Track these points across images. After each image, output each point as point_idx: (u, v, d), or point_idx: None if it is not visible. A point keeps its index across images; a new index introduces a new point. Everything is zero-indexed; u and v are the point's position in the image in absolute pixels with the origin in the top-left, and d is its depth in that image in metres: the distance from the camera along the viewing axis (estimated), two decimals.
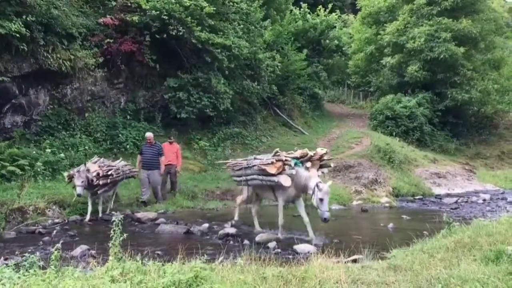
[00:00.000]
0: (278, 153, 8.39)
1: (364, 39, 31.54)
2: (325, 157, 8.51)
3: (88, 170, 10.48)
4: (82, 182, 10.11)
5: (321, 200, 7.52)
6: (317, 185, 7.60)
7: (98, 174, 10.50)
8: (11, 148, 12.51)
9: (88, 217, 10.49)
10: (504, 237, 5.87)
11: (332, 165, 8.83)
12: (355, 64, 33.40)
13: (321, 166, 8.47)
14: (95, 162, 11.27)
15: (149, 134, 13.00)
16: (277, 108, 25.78)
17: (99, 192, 10.82)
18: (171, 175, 13.26)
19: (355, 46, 32.92)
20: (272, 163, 8.12)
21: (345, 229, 9.90)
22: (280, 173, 8.07)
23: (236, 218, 9.91)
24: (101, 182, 10.58)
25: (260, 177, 8.50)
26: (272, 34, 26.81)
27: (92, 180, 10.34)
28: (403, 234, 8.20)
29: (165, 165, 12.79)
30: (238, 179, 9.62)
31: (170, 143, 13.45)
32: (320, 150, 8.52)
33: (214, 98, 18.23)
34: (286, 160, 8.12)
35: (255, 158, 8.91)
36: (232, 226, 9.60)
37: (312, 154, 8.33)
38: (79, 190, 10.04)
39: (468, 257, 5.11)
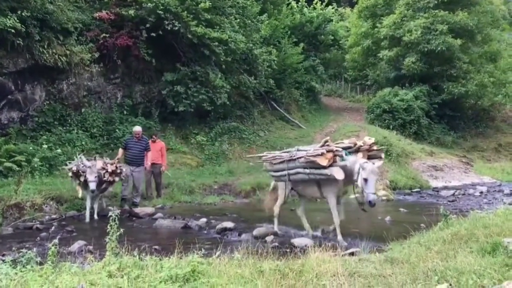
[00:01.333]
0: (328, 143, 7.56)
1: (360, 33, 31.50)
2: (374, 147, 7.57)
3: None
4: (96, 177, 9.61)
5: (366, 180, 6.70)
6: (361, 165, 6.83)
7: (109, 170, 10.07)
8: (7, 144, 12.48)
9: (88, 217, 9.96)
10: (501, 229, 5.88)
11: (383, 156, 7.66)
12: (352, 58, 33.38)
13: (369, 158, 7.41)
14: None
15: (138, 128, 12.13)
16: (274, 102, 25.75)
17: (107, 189, 10.60)
18: (155, 175, 12.54)
19: (351, 40, 32.89)
20: (322, 154, 7.28)
21: (343, 222, 9.90)
22: (331, 165, 7.23)
23: (276, 228, 8.53)
24: (116, 179, 10.36)
25: (307, 170, 7.57)
26: (268, 28, 26.73)
27: (102, 177, 9.91)
28: (400, 227, 8.21)
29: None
30: (277, 174, 8.41)
31: (154, 141, 12.52)
32: (368, 139, 7.59)
33: (212, 92, 18.19)
34: (337, 150, 7.33)
35: (298, 150, 8.00)
36: (273, 239, 8.04)
37: (361, 144, 7.47)
38: (92, 186, 9.49)
39: (465, 249, 5.12)
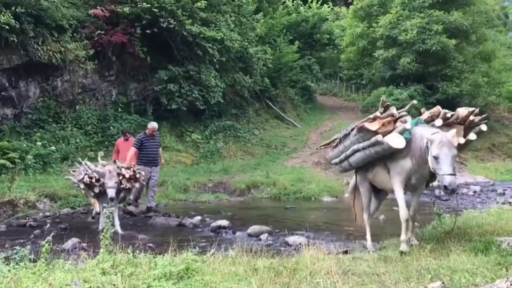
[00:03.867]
0: (389, 107, 5.88)
1: (356, 33, 31.52)
2: (473, 119, 5.78)
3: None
4: (116, 183, 8.13)
5: (436, 158, 4.88)
6: (427, 138, 5.04)
7: (126, 176, 8.60)
8: (1, 141, 12.43)
9: (119, 230, 8.05)
10: (494, 228, 5.93)
11: (485, 128, 5.83)
12: (348, 57, 33.39)
13: (465, 132, 5.68)
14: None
15: (154, 124, 10.95)
16: (269, 100, 25.75)
17: (126, 198, 9.41)
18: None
19: (347, 40, 32.89)
20: (375, 118, 5.77)
21: (337, 220, 9.94)
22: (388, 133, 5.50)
23: (370, 246, 6.31)
24: (137, 185, 9.03)
25: (361, 144, 5.79)
26: (264, 27, 26.71)
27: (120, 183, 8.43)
28: (394, 226, 8.23)
29: None
30: (338, 160, 6.53)
31: (126, 139, 11.11)
32: (463, 110, 5.84)
33: (205, 91, 18.17)
34: (400, 116, 5.73)
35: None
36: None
37: (450, 115, 5.80)
38: (111, 193, 7.97)
39: (458, 248, 5.15)
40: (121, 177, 8.35)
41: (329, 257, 4.86)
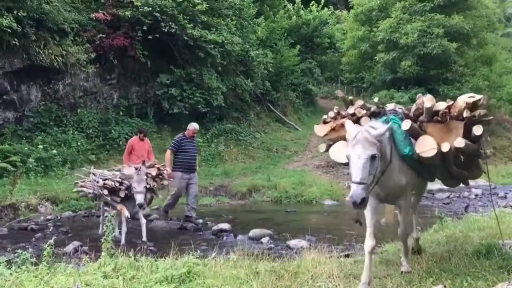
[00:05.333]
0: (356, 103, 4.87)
1: (357, 37, 31.54)
2: (474, 112, 4.32)
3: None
4: (145, 187, 7.43)
5: (348, 160, 3.87)
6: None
7: (153, 174, 8.11)
8: (2, 144, 12.46)
9: (123, 239, 7.53)
10: (495, 232, 5.92)
11: (478, 132, 4.22)
12: (349, 60, 33.41)
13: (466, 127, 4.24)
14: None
15: (195, 125, 10.03)
16: (270, 104, 25.75)
17: (152, 201, 8.86)
18: None
19: (348, 43, 32.92)
20: (325, 121, 5.03)
21: (338, 224, 9.93)
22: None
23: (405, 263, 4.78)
24: (165, 182, 8.60)
25: None
26: (265, 30, 26.75)
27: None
28: (396, 229, 8.24)
29: None
30: None
31: (142, 139, 10.16)
32: (462, 100, 4.33)
33: (207, 94, 18.20)
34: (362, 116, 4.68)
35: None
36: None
37: (441, 109, 4.42)
38: (140, 198, 7.20)
39: (460, 251, 5.14)
40: (146, 177, 7.69)
41: (331, 261, 4.86)
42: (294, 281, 4.23)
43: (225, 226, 8.89)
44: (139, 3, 16.29)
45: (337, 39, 35.82)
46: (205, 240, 7.82)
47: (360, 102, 4.88)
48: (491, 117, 4.80)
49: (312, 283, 4.19)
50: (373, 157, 3.74)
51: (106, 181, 7.61)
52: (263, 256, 5.05)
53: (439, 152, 4.14)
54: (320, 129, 4.95)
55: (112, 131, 15.71)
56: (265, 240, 7.84)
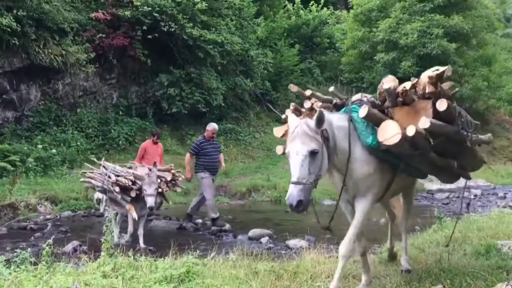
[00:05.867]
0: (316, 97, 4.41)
1: (357, 38, 31.56)
2: (438, 86, 3.85)
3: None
4: (156, 189, 7.20)
5: (287, 157, 3.55)
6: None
7: (168, 179, 7.83)
8: (2, 144, 12.45)
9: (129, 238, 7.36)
10: (494, 232, 5.93)
11: (456, 89, 4.38)
12: (348, 60, 33.42)
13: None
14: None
15: (215, 126, 9.73)
16: (270, 104, 25.75)
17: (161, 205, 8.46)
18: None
19: (348, 44, 32.93)
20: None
21: (337, 224, 9.91)
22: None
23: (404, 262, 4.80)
24: (178, 190, 8.31)
25: None
26: (265, 30, 26.75)
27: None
28: (395, 229, 8.24)
29: None
30: None
31: (155, 142, 9.78)
32: (426, 75, 3.97)
33: (207, 93, 18.20)
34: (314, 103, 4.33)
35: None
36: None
37: (403, 89, 3.95)
38: (151, 201, 6.98)
39: (459, 251, 5.15)
40: (159, 180, 7.45)
41: (330, 261, 4.86)
42: (293, 281, 4.23)
43: (225, 226, 8.90)
44: (138, 3, 16.30)
45: (336, 39, 35.82)
46: (204, 240, 7.81)
47: (318, 95, 4.41)
48: (456, 89, 4.24)
49: (311, 283, 4.19)
50: (313, 153, 3.33)
51: (119, 178, 7.25)
52: (262, 256, 5.05)
53: (406, 138, 3.59)
54: (277, 131, 4.54)
55: (112, 131, 15.71)
56: (264, 240, 7.84)
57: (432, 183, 18.99)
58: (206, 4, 17.43)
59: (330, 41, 34.65)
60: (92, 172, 7.98)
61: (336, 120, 3.77)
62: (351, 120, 3.81)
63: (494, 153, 27.74)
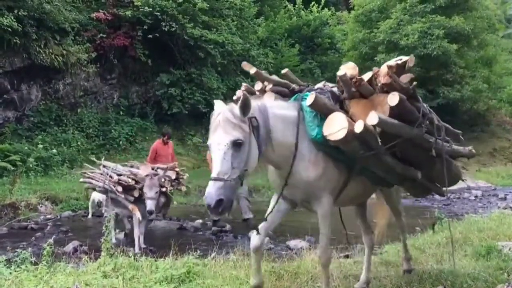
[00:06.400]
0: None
1: (357, 39, 31.56)
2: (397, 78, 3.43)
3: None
4: (156, 193, 6.80)
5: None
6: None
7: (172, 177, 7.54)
8: (2, 143, 12.46)
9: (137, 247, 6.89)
10: (495, 233, 5.93)
11: (414, 83, 3.56)
12: (349, 61, 33.41)
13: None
14: None
15: None
16: None
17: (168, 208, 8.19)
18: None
19: (348, 45, 32.93)
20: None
21: (338, 224, 9.91)
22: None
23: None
24: (183, 188, 8.05)
25: None
26: (266, 30, 26.75)
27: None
28: (395, 230, 8.23)
29: None
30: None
31: (165, 143, 9.81)
32: (385, 66, 3.57)
33: (207, 94, 18.20)
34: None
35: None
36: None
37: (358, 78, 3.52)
38: (151, 205, 6.65)
39: (460, 252, 5.14)
40: (163, 180, 7.17)
41: (330, 261, 4.85)
42: (293, 281, 4.23)
43: (225, 226, 8.89)
44: (139, 3, 16.31)
45: (337, 40, 35.81)
46: (205, 240, 7.81)
47: (267, 76, 3.90)
48: (414, 83, 3.47)
49: (311, 284, 4.19)
50: (236, 144, 2.89)
51: (121, 177, 7.00)
52: (263, 256, 5.04)
53: (354, 135, 3.12)
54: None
55: (112, 131, 15.71)
56: (265, 240, 7.83)
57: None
58: (207, 5, 17.44)
59: (331, 41, 34.62)
60: (92, 172, 7.85)
61: (276, 107, 3.31)
62: (301, 109, 3.34)
63: (495, 154, 27.72)
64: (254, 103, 3.10)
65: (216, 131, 3.00)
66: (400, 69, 3.45)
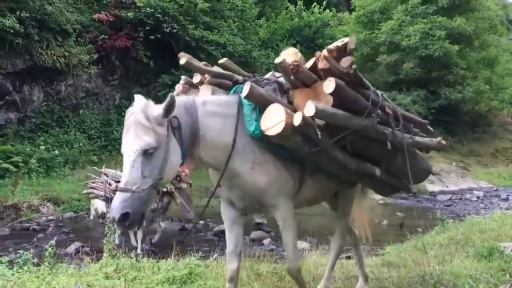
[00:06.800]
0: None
1: (359, 40, 31.56)
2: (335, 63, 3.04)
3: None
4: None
5: None
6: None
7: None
8: (4, 145, 12.47)
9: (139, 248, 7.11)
10: (497, 234, 5.91)
11: (354, 67, 3.12)
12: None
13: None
14: None
15: None
16: None
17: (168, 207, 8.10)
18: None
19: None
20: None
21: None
22: None
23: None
24: (184, 185, 7.91)
25: None
26: (267, 31, 26.77)
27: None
28: (397, 231, 8.24)
29: None
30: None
31: None
32: (326, 49, 3.21)
33: None
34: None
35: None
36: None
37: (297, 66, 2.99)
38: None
39: (461, 253, 5.14)
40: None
41: None
42: (295, 283, 4.23)
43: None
44: (141, 4, 16.33)
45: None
46: (206, 241, 7.81)
47: (203, 67, 3.62)
48: (355, 66, 3.06)
49: (313, 285, 4.19)
50: (147, 151, 2.53)
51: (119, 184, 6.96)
52: (265, 257, 5.05)
53: (293, 128, 2.72)
54: None
55: (114, 132, 15.72)
56: (266, 241, 7.85)
57: (434, 185, 18.98)
58: (208, 5, 17.46)
59: (332, 42, 34.52)
60: (93, 182, 7.92)
61: (210, 103, 2.95)
62: (240, 103, 2.98)
63: (497, 155, 27.68)
64: (180, 100, 2.76)
65: (127, 134, 2.60)
66: (341, 52, 3.07)
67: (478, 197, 15.76)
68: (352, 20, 33.38)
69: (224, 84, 3.47)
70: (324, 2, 34.48)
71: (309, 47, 32.94)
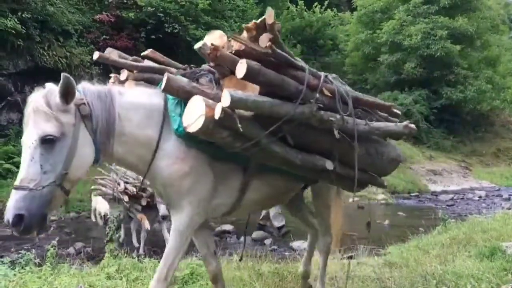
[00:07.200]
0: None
1: (360, 40, 31.57)
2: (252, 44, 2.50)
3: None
4: None
5: None
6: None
7: None
8: (6, 145, 12.50)
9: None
10: (499, 234, 5.90)
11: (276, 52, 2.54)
12: (352, 62, 33.40)
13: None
14: None
15: None
16: None
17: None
18: None
19: (351, 45, 32.93)
20: None
21: (341, 225, 9.90)
22: None
23: None
24: None
25: None
26: None
27: None
28: (399, 231, 8.23)
29: None
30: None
31: None
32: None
33: None
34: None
35: None
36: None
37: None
38: (164, 209, 6.37)
39: (463, 253, 5.13)
40: None
41: (334, 262, 4.86)
42: (297, 282, 4.22)
43: (228, 227, 8.89)
44: (142, 3, 16.37)
45: (340, 41, 35.80)
46: None
47: (137, 64, 3.32)
48: (269, 44, 2.46)
49: (315, 285, 4.18)
50: (47, 141, 2.22)
51: (128, 186, 6.60)
52: (266, 257, 5.05)
53: (215, 122, 2.32)
54: None
55: None
56: (268, 241, 7.84)
57: (436, 185, 18.97)
58: (208, 3, 17.48)
59: (333, 42, 34.63)
60: (103, 179, 7.52)
61: (131, 94, 2.62)
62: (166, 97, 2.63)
63: (499, 154, 27.65)
64: (93, 87, 2.48)
65: (28, 125, 2.27)
66: (261, 30, 2.54)
67: (480, 197, 15.74)
68: (353, 20, 33.35)
69: (155, 79, 3.14)
70: (326, 2, 34.49)
71: (310, 47, 33.00)
